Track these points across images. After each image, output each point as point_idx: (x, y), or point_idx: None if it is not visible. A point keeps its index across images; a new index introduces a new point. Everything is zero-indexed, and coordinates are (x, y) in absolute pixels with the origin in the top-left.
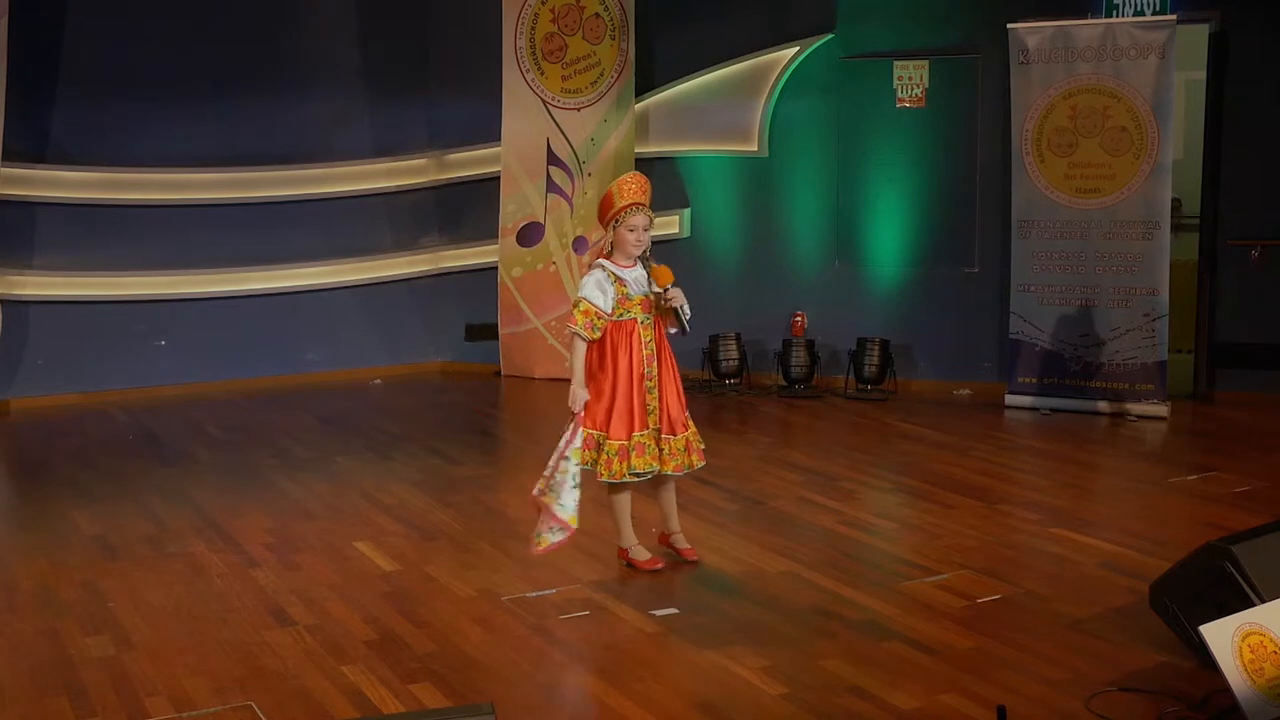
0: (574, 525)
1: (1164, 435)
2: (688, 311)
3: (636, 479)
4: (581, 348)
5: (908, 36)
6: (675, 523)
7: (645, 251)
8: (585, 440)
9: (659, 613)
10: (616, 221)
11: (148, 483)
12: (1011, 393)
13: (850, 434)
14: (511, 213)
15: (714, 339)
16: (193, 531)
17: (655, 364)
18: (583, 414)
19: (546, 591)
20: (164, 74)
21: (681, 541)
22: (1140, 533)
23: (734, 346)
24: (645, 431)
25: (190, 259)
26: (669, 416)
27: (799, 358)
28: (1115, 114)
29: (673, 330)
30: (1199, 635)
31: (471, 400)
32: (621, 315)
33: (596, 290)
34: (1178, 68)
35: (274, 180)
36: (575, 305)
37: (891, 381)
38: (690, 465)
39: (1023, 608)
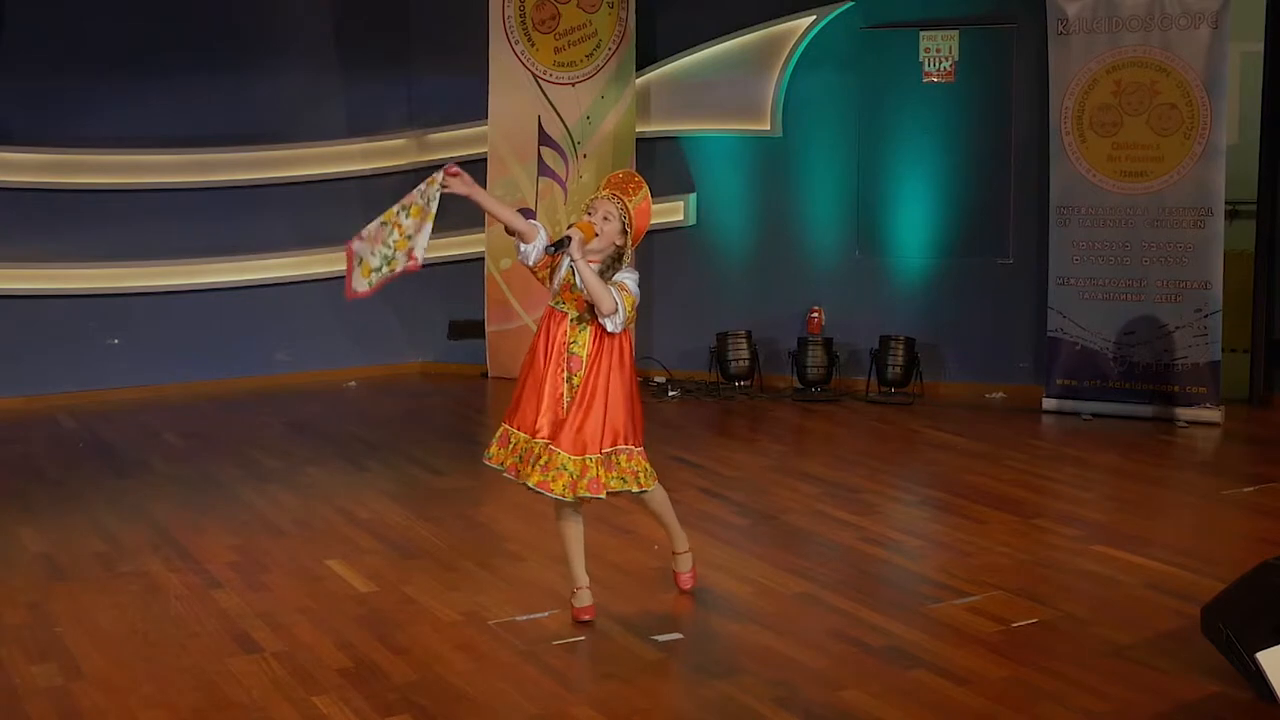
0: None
1: (1217, 443)
2: (621, 275)
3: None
4: (523, 223)
5: (935, 4)
6: (677, 543)
7: (568, 236)
8: (500, 438)
9: (661, 638)
10: (587, 205)
11: (99, 495)
12: (1049, 396)
13: (872, 442)
14: (499, 198)
15: (722, 337)
16: (149, 549)
17: (580, 372)
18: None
19: (538, 615)
20: (117, 44)
21: (679, 565)
22: (1191, 550)
23: (744, 345)
24: (545, 443)
25: (146, 249)
26: (580, 434)
27: (816, 358)
28: (1164, 90)
29: (594, 308)
30: (1255, 663)
31: (455, 404)
32: (557, 304)
33: (576, 245)
34: (1233, 39)
35: (239, 163)
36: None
37: (917, 384)
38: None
39: (1062, 633)
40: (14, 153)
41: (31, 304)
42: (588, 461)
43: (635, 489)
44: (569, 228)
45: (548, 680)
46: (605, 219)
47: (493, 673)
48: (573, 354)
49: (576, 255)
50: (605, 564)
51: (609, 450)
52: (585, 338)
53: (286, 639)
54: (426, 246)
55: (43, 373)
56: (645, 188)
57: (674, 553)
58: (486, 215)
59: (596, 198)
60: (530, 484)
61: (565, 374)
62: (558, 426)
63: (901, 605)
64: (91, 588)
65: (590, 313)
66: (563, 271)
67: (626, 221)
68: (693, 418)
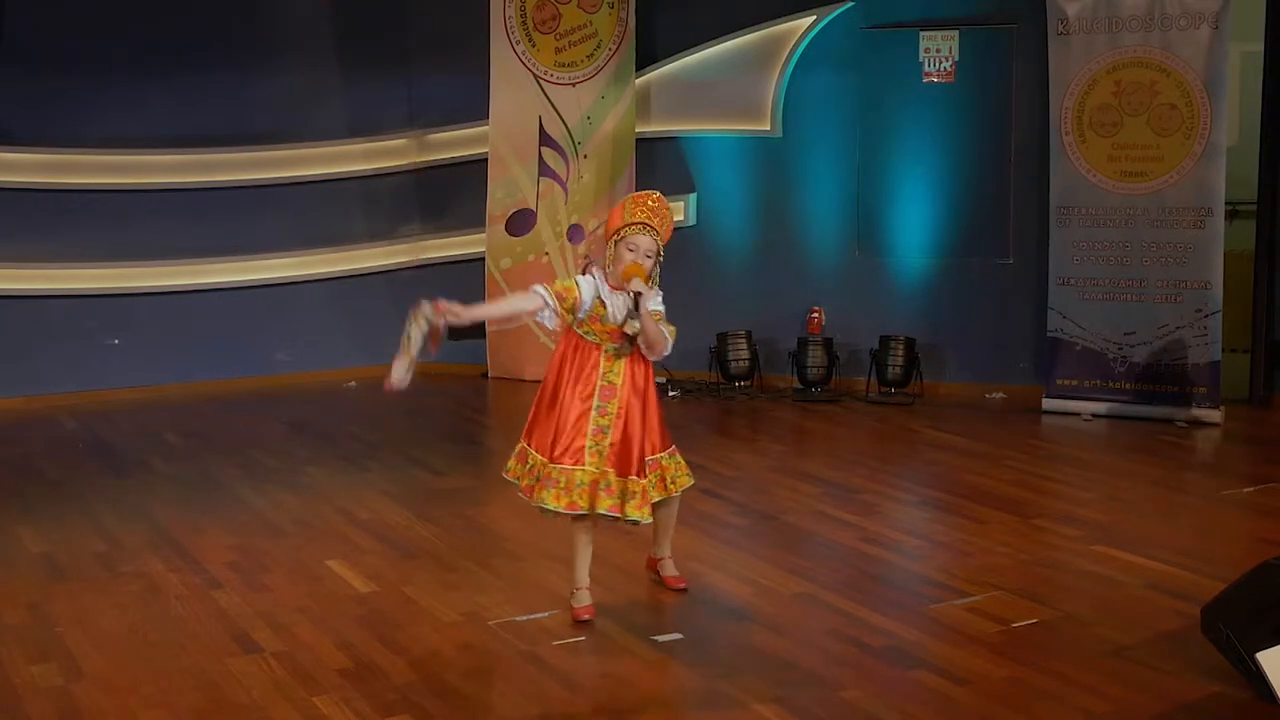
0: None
1: (1217, 443)
2: (654, 305)
3: (546, 513)
4: (527, 302)
5: (935, 4)
6: (666, 547)
7: (631, 278)
8: (519, 454)
9: (661, 638)
10: (619, 238)
11: (99, 496)
12: (1049, 396)
13: (872, 442)
14: (500, 199)
15: (722, 337)
16: (149, 549)
17: (615, 400)
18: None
19: (538, 615)
20: (117, 44)
21: (670, 568)
22: (1191, 550)
23: (744, 346)
24: (575, 467)
25: (146, 249)
26: (626, 458)
27: (816, 358)
28: (1164, 90)
29: (647, 352)
30: (1255, 663)
31: (455, 405)
32: (586, 333)
33: (587, 286)
34: (1233, 39)
35: (238, 163)
36: (672, 334)
37: (917, 384)
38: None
39: (1062, 633)
40: (14, 153)
41: (32, 304)
42: (651, 479)
43: (689, 482)
44: (626, 278)
45: (548, 680)
46: (648, 256)
47: (493, 673)
48: (608, 383)
49: (647, 308)
50: (605, 564)
51: (665, 454)
52: (621, 367)
53: (286, 639)
54: (406, 372)
55: (43, 373)
56: (671, 211)
57: (664, 558)
58: (487, 217)
59: (631, 234)
60: (640, 519)
61: (595, 403)
62: (587, 454)
63: (901, 605)
64: (91, 588)
65: (628, 344)
66: (588, 308)
67: (660, 253)
68: (693, 418)
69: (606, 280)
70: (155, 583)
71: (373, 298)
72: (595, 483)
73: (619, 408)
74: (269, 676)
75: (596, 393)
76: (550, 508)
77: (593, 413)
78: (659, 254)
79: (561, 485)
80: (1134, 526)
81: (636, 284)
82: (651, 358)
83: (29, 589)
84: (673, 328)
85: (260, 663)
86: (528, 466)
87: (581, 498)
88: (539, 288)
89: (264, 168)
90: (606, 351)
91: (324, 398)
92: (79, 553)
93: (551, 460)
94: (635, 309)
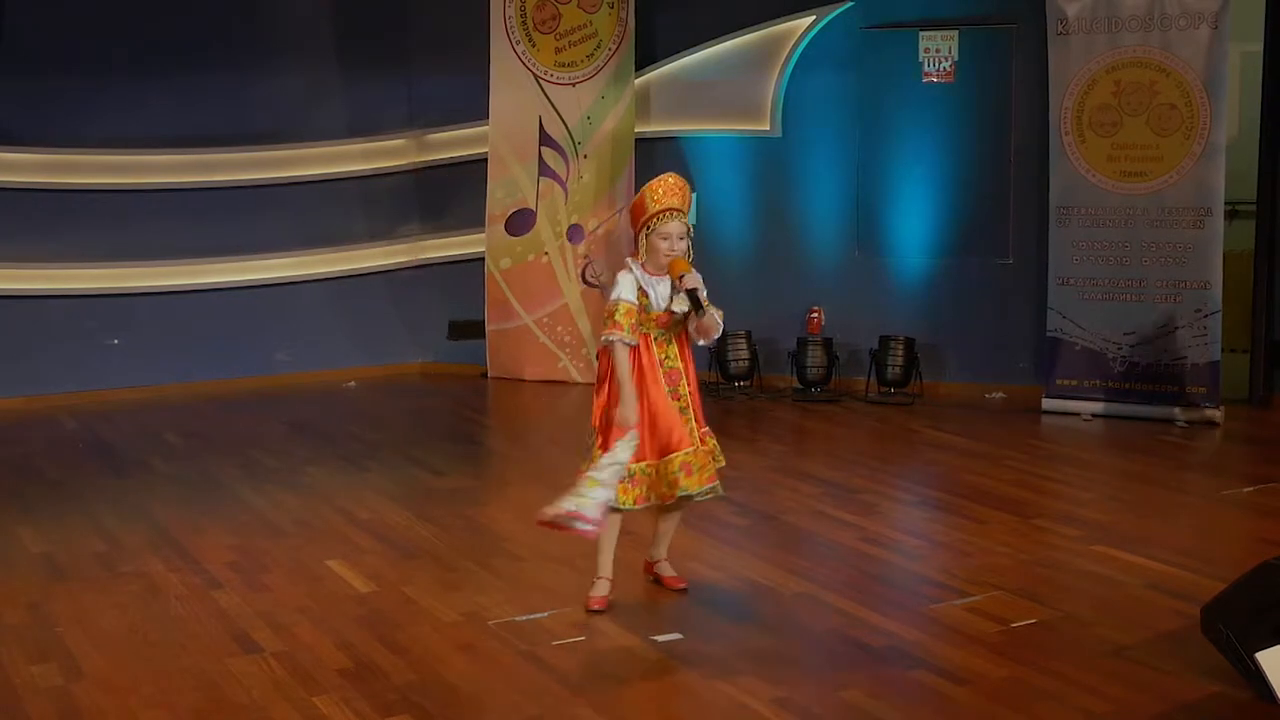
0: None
1: (1217, 443)
2: (704, 294)
3: (682, 499)
4: (625, 354)
5: (935, 4)
6: (664, 549)
7: (680, 275)
8: (627, 480)
9: (661, 638)
10: (649, 229)
11: (99, 495)
12: (1049, 396)
13: (872, 442)
14: (500, 199)
15: (722, 337)
16: (149, 549)
17: (683, 380)
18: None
19: (538, 615)
20: (117, 44)
21: (667, 569)
22: (1191, 550)
23: (744, 346)
24: (687, 451)
25: (145, 249)
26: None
27: (815, 358)
28: (1163, 90)
29: (698, 338)
30: (1255, 663)
31: (455, 405)
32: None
33: (631, 290)
34: (1233, 39)
35: (238, 163)
36: (613, 310)
37: (917, 384)
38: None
39: (1061, 633)
40: (14, 153)
41: (32, 304)
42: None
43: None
44: (676, 275)
45: (548, 680)
46: (680, 239)
47: (493, 673)
48: (671, 368)
49: (703, 296)
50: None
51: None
52: (674, 351)
53: (286, 639)
54: (597, 504)
55: (43, 373)
56: (689, 188)
57: (662, 559)
58: (487, 217)
59: (661, 224)
60: (705, 490)
61: (666, 389)
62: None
63: (901, 605)
64: (91, 588)
65: (681, 324)
66: (635, 303)
67: (690, 231)
68: None
69: (643, 268)
70: (155, 583)
71: (372, 298)
72: (693, 462)
73: (688, 387)
74: (269, 676)
75: (665, 377)
76: (693, 492)
77: (677, 401)
78: (690, 233)
79: (695, 465)
80: (1134, 526)
81: (689, 280)
82: (703, 343)
83: (29, 589)
84: (720, 310)
85: (260, 663)
86: (644, 475)
87: (704, 470)
88: (617, 337)
89: (264, 168)
90: (657, 338)
91: (324, 398)
92: (79, 553)
93: (662, 458)
94: (699, 305)
